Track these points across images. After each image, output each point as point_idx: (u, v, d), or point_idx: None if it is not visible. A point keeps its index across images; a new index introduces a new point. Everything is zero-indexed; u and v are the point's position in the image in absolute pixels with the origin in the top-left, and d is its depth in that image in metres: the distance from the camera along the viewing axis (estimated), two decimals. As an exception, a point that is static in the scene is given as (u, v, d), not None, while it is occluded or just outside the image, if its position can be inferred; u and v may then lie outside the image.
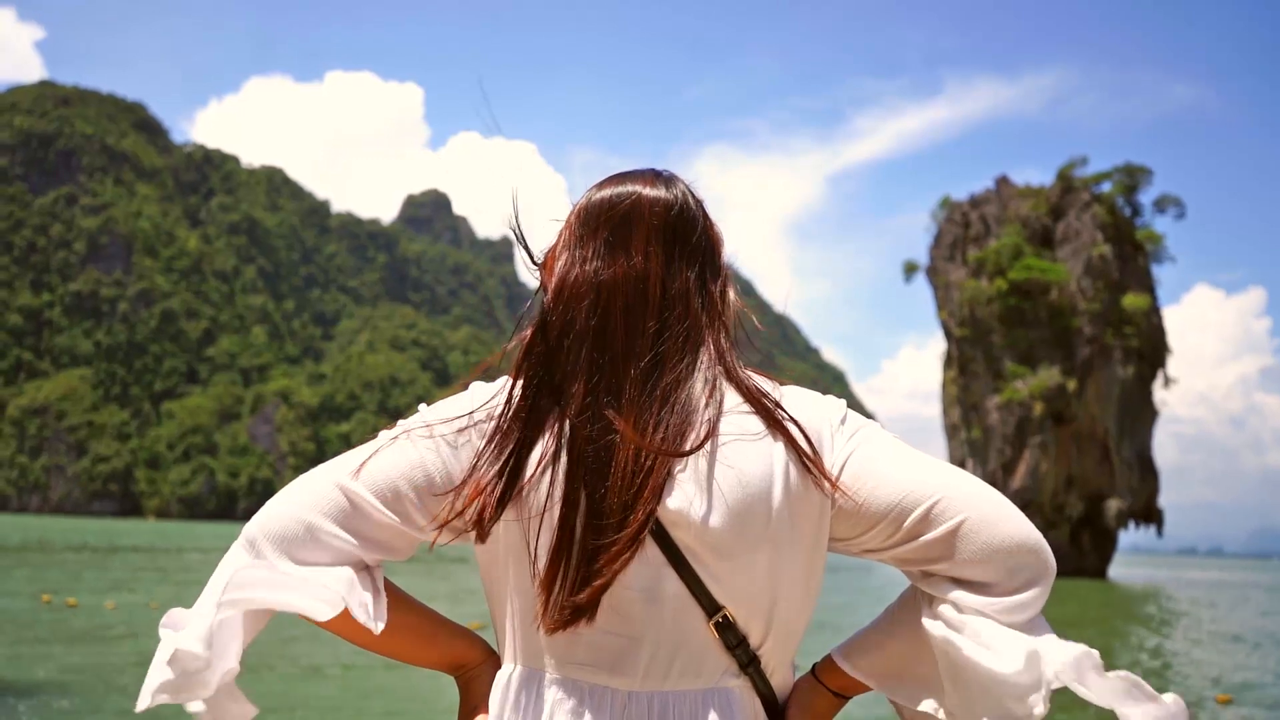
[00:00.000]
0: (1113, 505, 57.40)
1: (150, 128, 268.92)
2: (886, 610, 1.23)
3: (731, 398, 1.15)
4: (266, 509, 1.13)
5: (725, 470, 1.10)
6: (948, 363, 64.26)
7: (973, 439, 60.75)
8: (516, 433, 1.14)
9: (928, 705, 1.19)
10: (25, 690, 8.92)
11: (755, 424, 1.13)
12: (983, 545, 1.07)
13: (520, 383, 1.16)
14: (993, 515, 1.08)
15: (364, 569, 1.14)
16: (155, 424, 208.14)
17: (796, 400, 1.18)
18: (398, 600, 1.19)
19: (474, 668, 1.25)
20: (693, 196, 1.24)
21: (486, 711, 1.18)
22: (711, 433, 1.11)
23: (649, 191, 1.21)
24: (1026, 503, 57.42)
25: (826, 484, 1.12)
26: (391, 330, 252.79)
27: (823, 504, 1.13)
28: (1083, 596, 34.11)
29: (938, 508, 1.09)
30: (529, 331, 1.19)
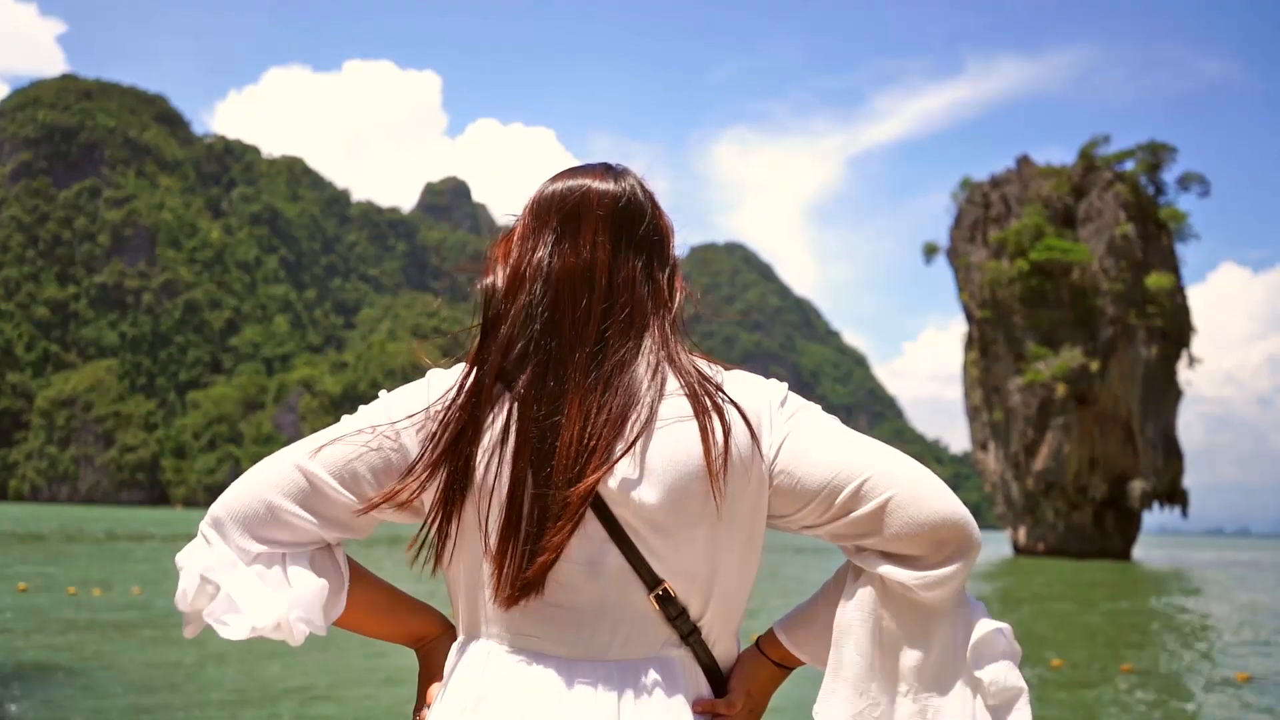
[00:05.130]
0: (1137, 486, 57.08)
1: (171, 119, 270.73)
2: (823, 585, 1.26)
3: (673, 381, 1.19)
4: (231, 490, 1.17)
5: (664, 450, 1.14)
6: (969, 345, 63.96)
7: (995, 421, 60.51)
8: (468, 417, 1.18)
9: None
10: (46, 677, 9.13)
11: (695, 406, 1.17)
12: (908, 520, 1.12)
13: (474, 370, 1.21)
14: (919, 492, 1.13)
15: (326, 548, 1.21)
16: (181, 414, 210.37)
17: (738, 383, 1.22)
18: (359, 576, 1.25)
19: (432, 640, 1.30)
20: (642, 189, 1.28)
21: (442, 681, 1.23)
22: (652, 414, 1.16)
23: (598, 185, 1.25)
24: (1050, 484, 57.26)
25: (762, 462, 1.17)
26: (413, 318, 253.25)
27: (760, 482, 1.17)
28: (1099, 579, 33.98)
29: (867, 485, 1.13)
30: (483, 321, 1.24)
